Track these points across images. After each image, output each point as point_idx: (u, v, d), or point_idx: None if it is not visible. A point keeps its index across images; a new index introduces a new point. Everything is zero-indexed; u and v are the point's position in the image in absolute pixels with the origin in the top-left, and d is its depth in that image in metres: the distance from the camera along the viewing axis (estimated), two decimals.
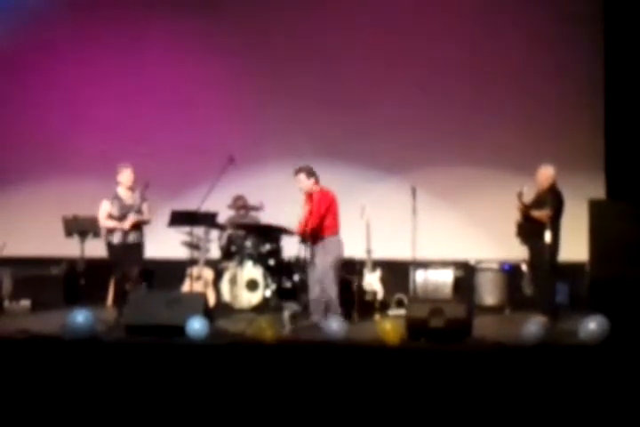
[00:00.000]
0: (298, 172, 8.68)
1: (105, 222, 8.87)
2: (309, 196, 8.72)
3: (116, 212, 8.85)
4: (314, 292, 8.59)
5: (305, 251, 8.70)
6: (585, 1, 10.37)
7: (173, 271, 9.72)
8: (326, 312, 8.46)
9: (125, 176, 8.91)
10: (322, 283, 8.54)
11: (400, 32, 10.65)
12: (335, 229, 8.65)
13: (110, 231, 8.83)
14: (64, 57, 11.07)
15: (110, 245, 8.85)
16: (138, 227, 8.88)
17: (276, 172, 10.68)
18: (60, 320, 7.75)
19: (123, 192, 8.96)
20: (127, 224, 8.75)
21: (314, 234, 8.58)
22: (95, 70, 11.01)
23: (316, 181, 8.70)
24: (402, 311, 8.94)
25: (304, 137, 10.68)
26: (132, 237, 8.83)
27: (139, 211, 8.89)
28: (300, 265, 9.29)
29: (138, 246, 8.93)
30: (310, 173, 8.67)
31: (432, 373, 6.70)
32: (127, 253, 8.77)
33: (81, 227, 9.48)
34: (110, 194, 8.94)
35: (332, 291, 8.56)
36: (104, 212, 8.87)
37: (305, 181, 8.65)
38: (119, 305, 8.60)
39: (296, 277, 9.56)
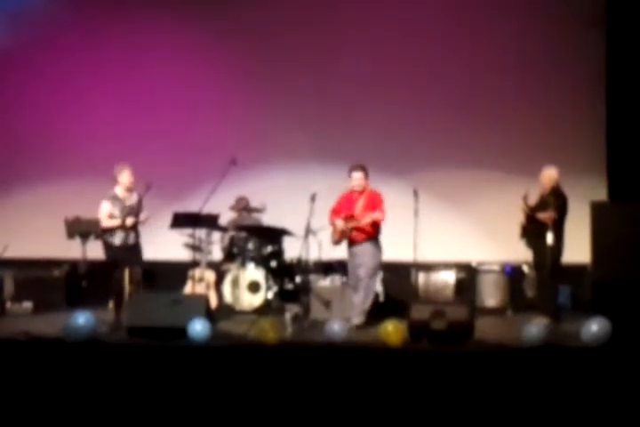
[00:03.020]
0: (360, 169, 8.80)
1: (108, 222, 8.81)
2: (359, 194, 8.79)
3: (117, 213, 8.82)
4: (360, 293, 8.64)
5: (350, 249, 8.77)
6: (587, 0, 10.38)
7: (175, 273, 9.72)
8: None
9: (125, 176, 8.87)
10: (365, 283, 8.62)
11: (401, 33, 10.64)
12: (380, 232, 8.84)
13: (110, 232, 8.79)
14: (64, 57, 11.06)
15: (111, 247, 8.82)
16: (134, 227, 8.88)
17: (278, 173, 10.70)
18: (62, 322, 7.74)
19: (121, 193, 8.92)
20: (130, 221, 8.73)
21: (370, 233, 8.68)
22: (96, 71, 11.00)
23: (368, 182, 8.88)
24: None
25: (306, 138, 10.69)
26: (132, 238, 8.83)
27: (138, 211, 8.89)
28: (301, 267, 9.30)
29: (137, 247, 8.93)
30: (367, 173, 8.82)
31: (434, 375, 6.71)
32: (128, 255, 8.77)
33: (83, 228, 9.46)
34: (107, 194, 8.89)
35: (373, 292, 8.74)
36: (105, 212, 8.83)
37: (363, 180, 8.79)
38: (118, 306, 8.61)
39: (298, 279, 9.56)
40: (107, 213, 8.83)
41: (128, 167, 8.89)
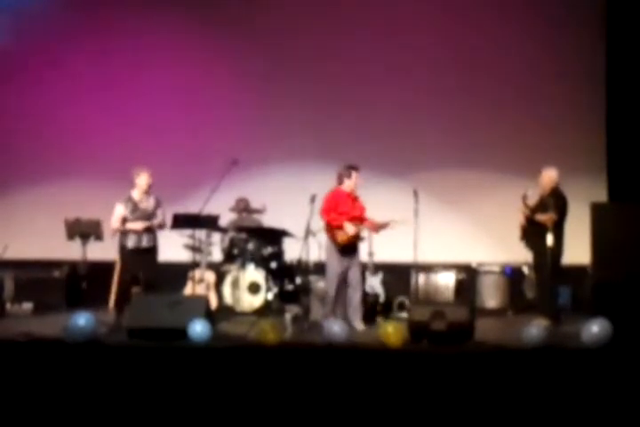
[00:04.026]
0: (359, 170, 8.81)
1: (115, 225, 8.72)
2: (355, 196, 8.82)
3: (129, 215, 8.73)
4: (358, 293, 8.66)
5: (345, 250, 8.73)
6: (587, 1, 10.38)
7: (175, 274, 9.70)
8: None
9: (143, 179, 8.77)
10: (361, 283, 8.70)
11: (401, 33, 10.67)
12: None
13: (125, 235, 8.71)
14: (64, 58, 11.07)
15: (124, 249, 8.76)
16: (151, 231, 8.79)
17: (279, 174, 10.72)
18: (62, 323, 7.71)
19: (137, 195, 8.83)
20: (140, 225, 8.68)
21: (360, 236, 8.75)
22: (96, 72, 11.02)
23: None
24: (404, 314, 8.96)
25: (306, 139, 10.70)
26: (145, 242, 8.73)
27: (152, 215, 8.82)
28: (301, 268, 9.30)
29: (152, 251, 8.81)
30: None
31: (434, 376, 6.70)
32: (140, 258, 8.71)
33: (83, 230, 9.47)
34: (123, 197, 8.80)
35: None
36: (118, 215, 8.72)
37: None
38: (121, 308, 8.58)
39: (298, 280, 9.56)
40: (119, 216, 8.73)
41: (147, 170, 8.78)
